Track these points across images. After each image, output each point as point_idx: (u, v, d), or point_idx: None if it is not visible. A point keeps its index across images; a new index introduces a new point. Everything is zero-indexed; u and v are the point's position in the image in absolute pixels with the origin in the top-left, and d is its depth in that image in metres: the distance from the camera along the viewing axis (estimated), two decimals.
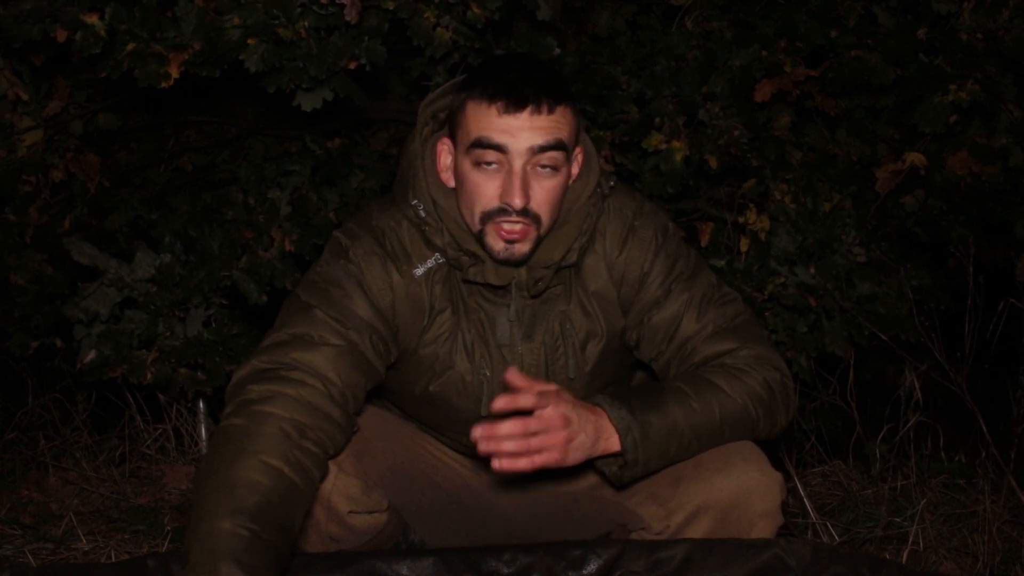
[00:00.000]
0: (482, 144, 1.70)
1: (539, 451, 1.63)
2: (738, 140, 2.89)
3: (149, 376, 2.89)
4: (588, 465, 2.03)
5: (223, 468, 1.58)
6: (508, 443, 1.60)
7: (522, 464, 1.62)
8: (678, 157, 2.88)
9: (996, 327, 2.76)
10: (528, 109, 1.69)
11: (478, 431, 1.60)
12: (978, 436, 2.74)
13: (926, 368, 2.88)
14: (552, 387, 1.66)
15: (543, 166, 1.72)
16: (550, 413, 1.63)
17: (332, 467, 1.79)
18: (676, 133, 2.89)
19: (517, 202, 1.70)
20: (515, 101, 1.69)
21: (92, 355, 2.86)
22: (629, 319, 1.91)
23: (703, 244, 3.14)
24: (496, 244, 1.75)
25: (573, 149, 1.79)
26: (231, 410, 1.67)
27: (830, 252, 2.81)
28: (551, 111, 1.70)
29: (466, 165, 1.74)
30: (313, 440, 1.66)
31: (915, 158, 3.02)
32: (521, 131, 1.69)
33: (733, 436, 1.81)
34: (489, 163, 1.71)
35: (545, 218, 1.75)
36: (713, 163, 2.90)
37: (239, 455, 1.59)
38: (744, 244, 3.00)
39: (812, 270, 2.79)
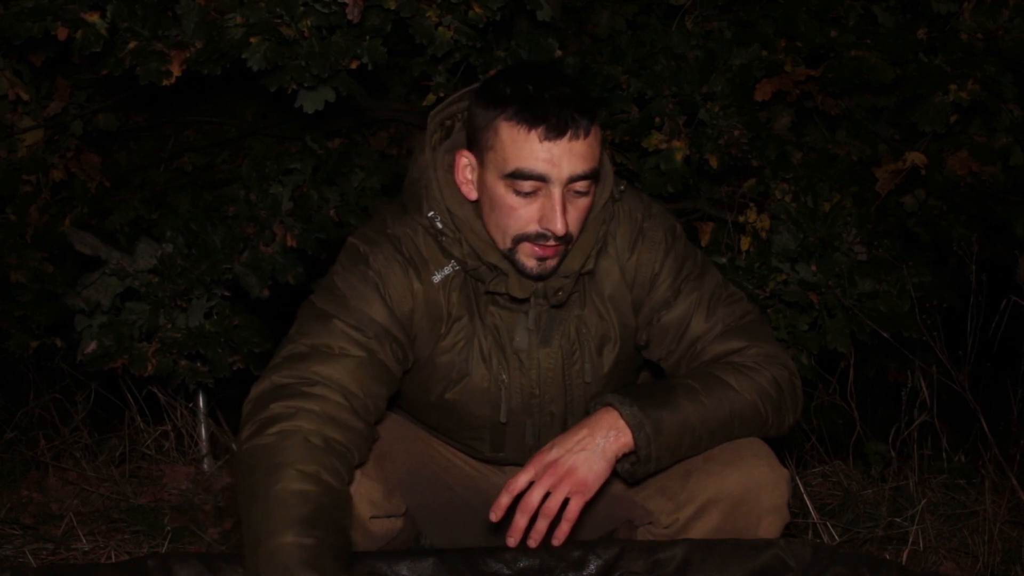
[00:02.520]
0: (523, 175, 1.69)
1: (559, 507, 1.69)
2: (738, 140, 2.89)
3: (150, 368, 2.88)
4: None
5: (264, 488, 1.58)
6: (527, 522, 1.70)
7: (564, 528, 1.70)
8: (678, 156, 2.88)
9: (998, 326, 2.75)
10: (568, 135, 1.68)
11: (492, 515, 1.70)
12: (979, 435, 2.73)
13: (927, 367, 2.88)
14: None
15: (577, 192, 1.73)
16: (534, 467, 1.71)
17: (355, 472, 1.79)
18: (676, 133, 2.89)
19: (560, 229, 1.70)
20: (555, 127, 1.67)
21: (93, 346, 2.85)
22: (639, 319, 1.92)
23: (704, 244, 3.14)
24: (529, 262, 1.75)
25: (603, 164, 1.80)
26: (255, 429, 1.66)
27: (831, 250, 2.81)
28: (587, 134, 1.69)
29: (500, 188, 1.72)
30: (339, 452, 1.67)
31: (915, 158, 3.02)
32: (562, 159, 1.68)
33: (743, 432, 1.82)
34: (527, 192, 1.71)
35: (576, 235, 1.78)
36: (714, 162, 2.90)
37: (275, 471, 1.59)
38: (744, 243, 3.00)
39: (813, 267, 2.79)
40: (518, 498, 1.71)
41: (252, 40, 2.40)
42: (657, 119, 2.91)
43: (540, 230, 1.72)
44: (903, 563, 2.38)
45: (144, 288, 2.86)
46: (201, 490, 3.00)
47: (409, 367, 1.87)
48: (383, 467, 1.89)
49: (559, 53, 2.89)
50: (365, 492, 1.82)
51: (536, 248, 1.74)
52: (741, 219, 3.02)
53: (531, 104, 1.68)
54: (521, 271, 1.77)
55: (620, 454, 1.73)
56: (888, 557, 2.50)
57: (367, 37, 2.47)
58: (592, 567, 1.72)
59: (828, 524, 2.57)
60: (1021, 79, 3.01)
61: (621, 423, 1.72)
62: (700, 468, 1.82)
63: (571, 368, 1.90)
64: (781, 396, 1.84)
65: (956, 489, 2.88)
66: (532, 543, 1.69)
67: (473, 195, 1.79)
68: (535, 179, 1.69)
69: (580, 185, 1.71)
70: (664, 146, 2.90)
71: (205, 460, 3.18)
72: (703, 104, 2.91)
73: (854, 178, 3.19)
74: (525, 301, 1.84)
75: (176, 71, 2.42)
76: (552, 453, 1.72)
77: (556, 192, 1.69)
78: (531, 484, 1.70)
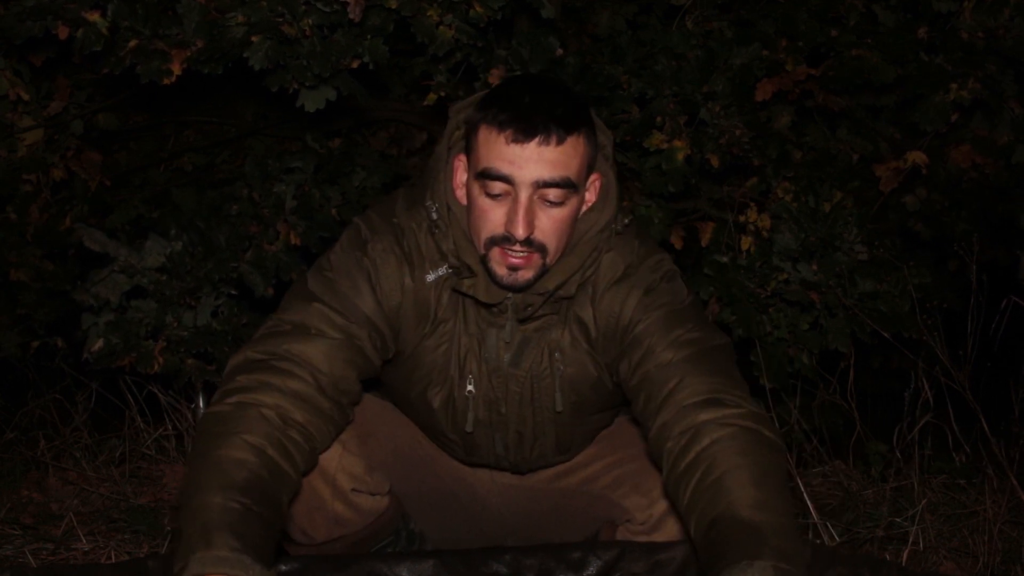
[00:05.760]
0: (489, 175, 1.69)
1: None
2: (739, 139, 2.89)
3: (156, 366, 2.88)
4: (581, 459, 2.04)
5: (209, 450, 1.59)
6: None
7: None
8: (679, 156, 2.88)
9: (999, 325, 2.75)
10: (536, 140, 1.67)
11: None
12: (980, 436, 2.73)
13: (928, 367, 2.88)
14: None
15: (549, 201, 1.70)
16: None
17: (336, 446, 1.81)
18: (677, 132, 2.88)
19: (520, 232, 1.69)
20: (523, 131, 1.67)
21: (100, 344, 2.85)
22: (611, 366, 1.87)
23: (704, 244, 3.14)
24: (500, 269, 1.73)
25: (585, 179, 1.76)
26: (217, 398, 1.68)
27: (832, 249, 2.81)
28: (560, 142, 1.68)
29: (475, 189, 1.73)
30: (297, 429, 1.67)
31: (916, 157, 3.02)
32: (528, 163, 1.67)
33: (775, 473, 1.63)
34: (496, 194, 1.70)
35: (552, 247, 1.73)
36: (715, 162, 2.90)
37: (223, 436, 1.60)
38: (745, 243, 3.00)
39: (814, 267, 2.79)
40: None
41: (254, 39, 2.40)
42: (658, 119, 2.91)
43: (505, 233, 1.70)
44: (903, 563, 2.37)
45: (152, 286, 2.85)
46: None
47: (391, 357, 1.87)
48: (366, 444, 1.90)
49: (560, 52, 2.89)
50: (347, 465, 1.84)
51: (506, 255, 1.72)
52: (742, 219, 3.02)
53: (507, 107, 1.69)
54: (493, 279, 1.75)
55: None
56: (888, 557, 2.49)
57: (368, 36, 2.47)
58: (592, 568, 1.72)
59: (828, 524, 2.57)
60: (1022, 77, 3.01)
61: None
62: None
63: (540, 393, 1.88)
64: (765, 433, 1.68)
65: (956, 489, 2.88)
66: None
67: (465, 200, 1.79)
68: (500, 180, 1.68)
69: (551, 194, 1.69)
70: (665, 146, 2.89)
71: None
72: (704, 103, 2.91)
73: (854, 176, 3.19)
74: (498, 308, 1.82)
75: (177, 70, 2.42)
76: None
77: (522, 196, 1.68)
78: None
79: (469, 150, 1.75)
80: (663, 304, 1.81)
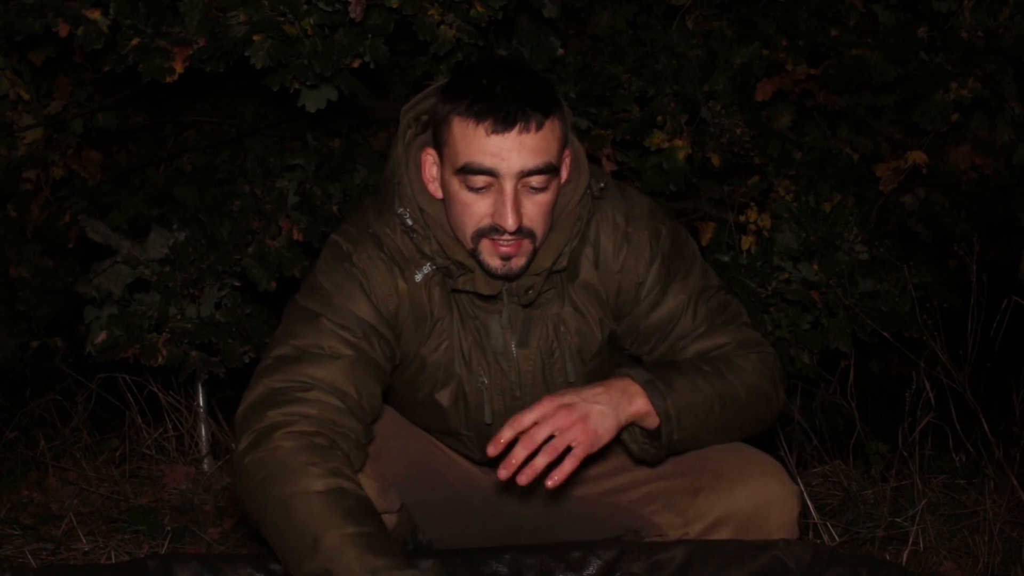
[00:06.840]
0: (471, 169, 1.67)
1: (563, 450, 1.63)
2: (740, 138, 2.89)
3: (160, 359, 2.87)
4: (603, 469, 2.02)
5: (292, 490, 1.58)
6: (526, 456, 1.62)
7: (567, 467, 1.62)
8: (680, 155, 2.88)
9: (999, 325, 2.75)
10: (517, 128, 1.65)
11: (490, 449, 1.63)
12: (980, 436, 2.73)
13: (927, 366, 2.88)
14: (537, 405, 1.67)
15: (533, 187, 1.69)
16: (545, 406, 1.65)
17: None
18: (678, 131, 2.89)
19: (510, 224, 1.68)
20: (503, 120, 1.64)
21: (103, 336, 2.84)
22: (622, 326, 1.90)
23: (704, 243, 3.14)
24: (492, 261, 1.73)
25: (562, 159, 1.76)
26: (254, 439, 1.65)
27: (833, 249, 2.81)
28: (539, 127, 1.66)
29: (455, 184, 1.71)
30: (342, 452, 1.67)
31: (916, 157, 3.02)
32: (511, 152, 1.65)
33: (751, 403, 1.81)
34: (479, 188, 1.69)
35: (539, 231, 1.73)
36: (716, 161, 2.90)
37: (297, 472, 1.59)
38: (746, 243, 3.00)
39: (815, 266, 2.79)
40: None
41: (255, 38, 2.40)
42: (659, 118, 2.91)
43: (492, 224, 1.69)
44: (903, 563, 2.37)
45: (155, 277, 2.85)
46: (201, 490, 2.99)
47: (397, 363, 1.86)
48: (379, 464, 1.88)
49: (561, 52, 2.89)
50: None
51: (496, 245, 1.71)
52: (742, 218, 3.02)
53: (481, 97, 1.66)
54: (487, 271, 1.75)
55: (631, 419, 1.70)
56: (888, 557, 2.49)
57: (369, 36, 2.47)
58: (592, 568, 1.72)
59: (828, 524, 2.57)
60: (1022, 76, 3.01)
61: (634, 387, 1.70)
62: (710, 485, 1.82)
63: (552, 368, 1.88)
64: (773, 369, 1.86)
65: (956, 489, 2.87)
66: (523, 480, 1.62)
67: (439, 193, 1.77)
68: (484, 174, 1.67)
69: (535, 180, 1.68)
70: (666, 145, 2.89)
71: (205, 460, 3.18)
72: (704, 102, 2.91)
73: (855, 177, 3.19)
74: (496, 299, 1.82)
75: (179, 68, 2.42)
76: (566, 398, 1.67)
77: (507, 187, 1.67)
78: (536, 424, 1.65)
79: (441, 145, 1.73)
80: (671, 261, 1.88)
